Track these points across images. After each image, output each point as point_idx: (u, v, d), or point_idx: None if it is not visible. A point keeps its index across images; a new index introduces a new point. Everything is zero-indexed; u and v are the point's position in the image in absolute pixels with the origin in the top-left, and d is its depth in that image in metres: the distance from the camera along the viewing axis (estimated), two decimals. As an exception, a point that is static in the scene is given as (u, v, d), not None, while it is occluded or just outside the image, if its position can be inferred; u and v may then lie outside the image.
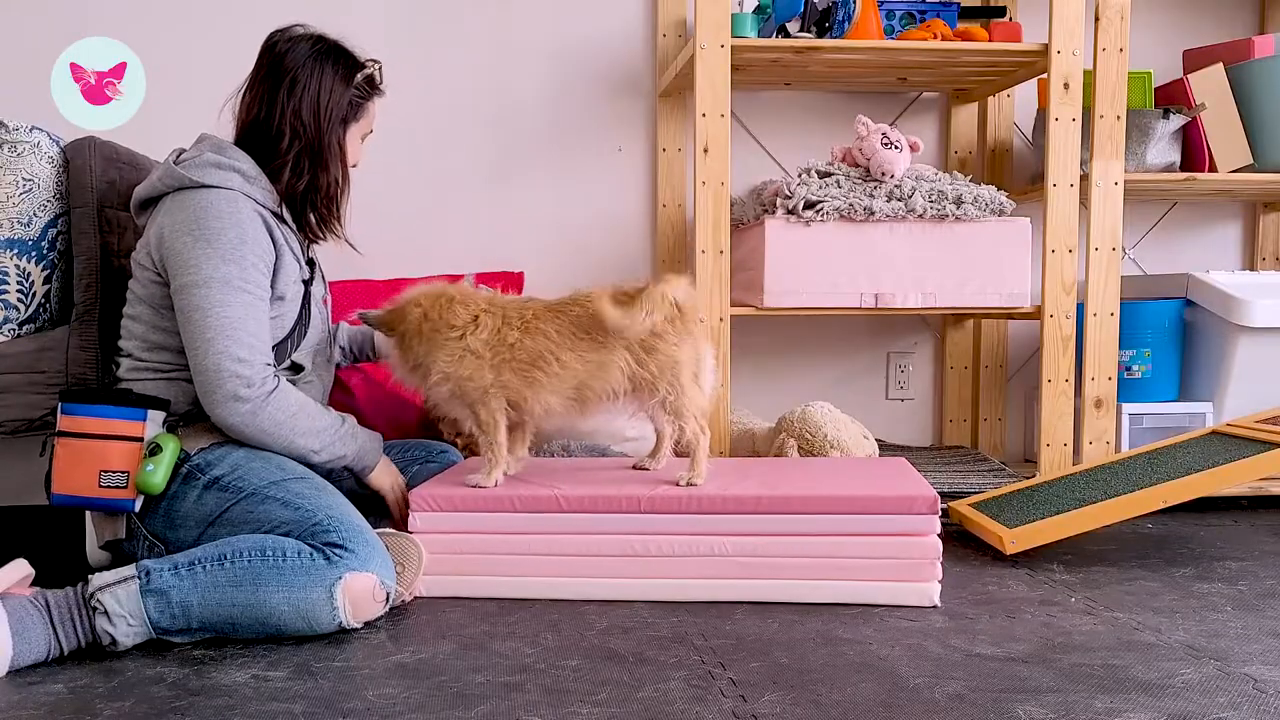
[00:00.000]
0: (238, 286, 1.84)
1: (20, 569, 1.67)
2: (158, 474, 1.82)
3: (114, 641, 1.64)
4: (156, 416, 1.87)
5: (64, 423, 1.86)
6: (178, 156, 1.96)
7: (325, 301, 2.14)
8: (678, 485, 1.97)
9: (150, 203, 1.96)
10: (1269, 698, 1.48)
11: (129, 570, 1.68)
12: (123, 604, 1.65)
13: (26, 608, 1.61)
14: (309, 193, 2.00)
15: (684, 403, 1.98)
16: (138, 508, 1.85)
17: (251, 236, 1.88)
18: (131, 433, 1.84)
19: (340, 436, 1.95)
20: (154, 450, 1.83)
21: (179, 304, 1.86)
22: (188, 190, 1.89)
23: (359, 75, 2.01)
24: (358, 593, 1.72)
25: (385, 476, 2.06)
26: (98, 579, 1.66)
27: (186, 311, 1.84)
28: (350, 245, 2.08)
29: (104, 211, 2.16)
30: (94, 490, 1.83)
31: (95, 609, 1.64)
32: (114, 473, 1.83)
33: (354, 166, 2.07)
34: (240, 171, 1.92)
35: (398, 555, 1.89)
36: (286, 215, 2.00)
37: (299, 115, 1.96)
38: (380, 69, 2.05)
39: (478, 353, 1.96)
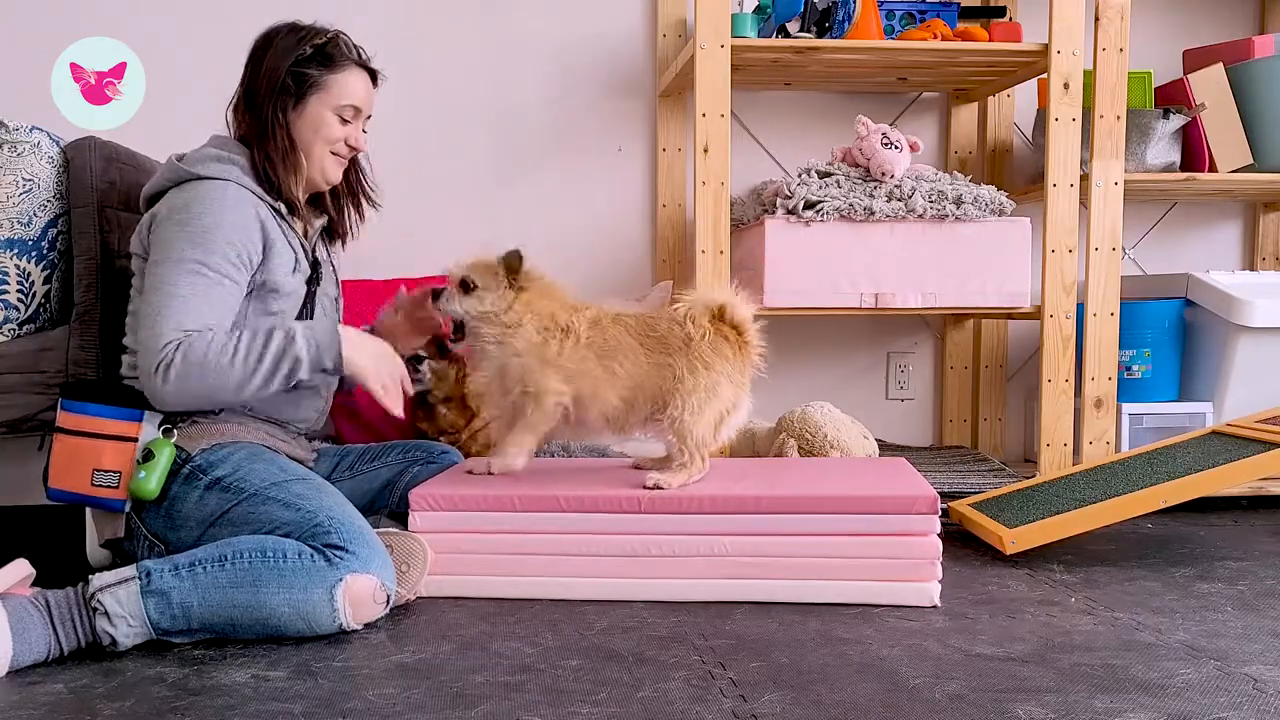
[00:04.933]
0: (193, 269, 1.83)
1: (20, 569, 1.67)
2: (150, 481, 1.82)
3: (114, 642, 1.64)
4: (154, 418, 1.87)
5: (62, 419, 1.87)
6: (181, 155, 1.97)
7: (336, 301, 2.15)
8: (645, 487, 1.95)
9: (155, 198, 1.96)
10: (1269, 698, 1.47)
11: (129, 571, 1.68)
12: (123, 604, 1.65)
13: (26, 608, 1.61)
14: (267, 172, 1.95)
15: (691, 433, 1.96)
16: (127, 508, 1.86)
17: (229, 222, 1.86)
18: (126, 433, 1.85)
19: (283, 352, 1.83)
20: (147, 456, 1.83)
21: (151, 280, 1.85)
22: (186, 183, 1.91)
23: (305, 46, 1.95)
24: (358, 594, 1.72)
25: (361, 355, 1.92)
26: (98, 579, 1.66)
27: (145, 292, 1.86)
28: (348, 239, 2.12)
29: (104, 211, 2.16)
30: (86, 488, 1.84)
31: (95, 609, 1.64)
32: (106, 472, 1.84)
33: (352, 148, 2.02)
34: (239, 165, 1.93)
35: (403, 555, 1.89)
36: (285, 210, 2.00)
37: (250, 95, 1.97)
38: (338, 39, 1.98)
39: (577, 335, 1.99)
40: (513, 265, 2.01)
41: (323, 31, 1.98)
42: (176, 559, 1.70)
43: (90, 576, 1.67)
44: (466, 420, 2.47)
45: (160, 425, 1.88)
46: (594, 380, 1.98)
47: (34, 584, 1.71)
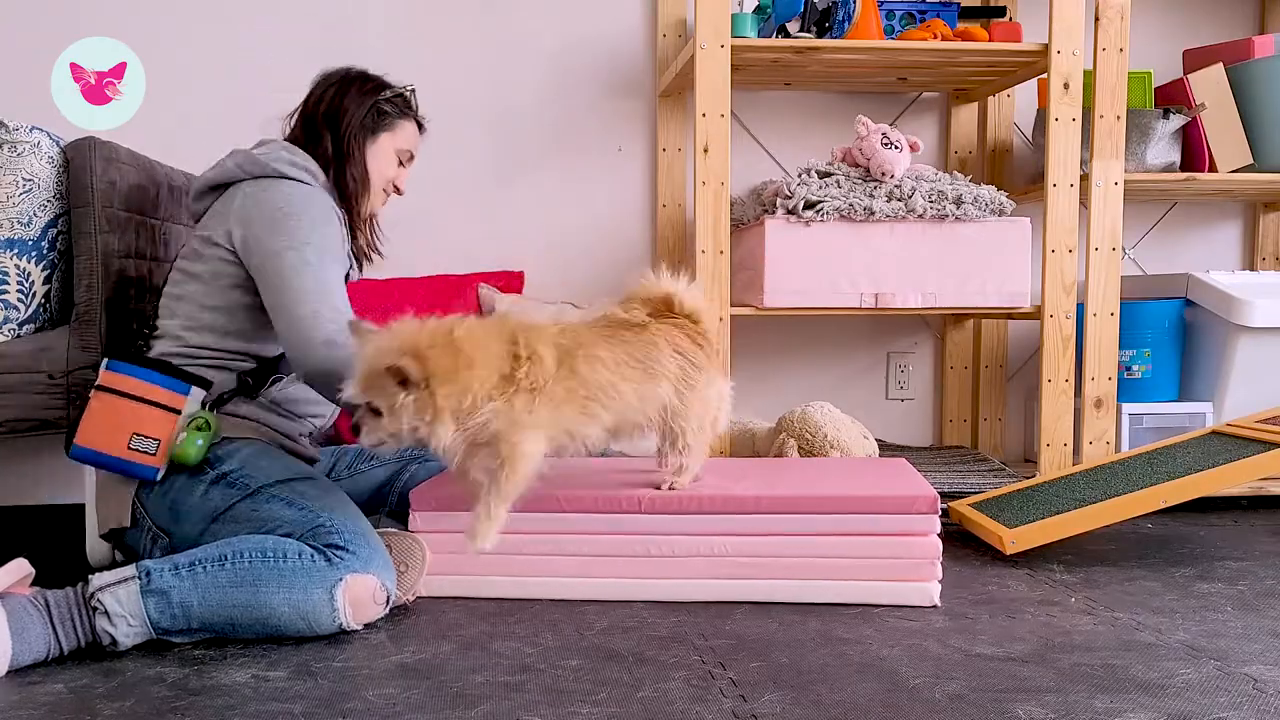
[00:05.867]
0: (330, 258, 1.94)
1: (20, 569, 1.67)
2: (191, 446, 1.83)
3: (114, 641, 1.64)
4: (198, 395, 1.90)
5: (105, 378, 1.88)
6: (250, 149, 2.03)
7: None
8: (659, 488, 1.95)
9: (219, 188, 2.01)
10: (1269, 698, 1.47)
11: (129, 570, 1.68)
12: (123, 604, 1.65)
13: (26, 608, 1.61)
14: (343, 190, 2.09)
15: (697, 444, 1.94)
16: (159, 477, 1.86)
17: (335, 227, 2.00)
18: (172, 404, 1.87)
19: None
20: (201, 425, 1.85)
21: (270, 268, 1.90)
22: (270, 178, 1.98)
23: (388, 91, 2.12)
24: (358, 594, 1.72)
25: None
26: (98, 579, 1.66)
27: (282, 273, 1.89)
28: (378, 254, 2.22)
29: (104, 211, 2.16)
30: (121, 450, 1.84)
31: (95, 609, 1.64)
32: (146, 438, 1.84)
33: (397, 189, 2.18)
34: (310, 171, 2.02)
35: (402, 555, 1.89)
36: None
37: (332, 117, 2.08)
38: (413, 94, 2.16)
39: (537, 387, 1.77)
40: (399, 374, 1.67)
41: (401, 86, 2.17)
42: (176, 558, 1.70)
43: (90, 576, 1.67)
44: None
45: (204, 404, 1.91)
46: (572, 426, 1.82)
47: (34, 584, 1.71)
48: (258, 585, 1.68)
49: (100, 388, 1.88)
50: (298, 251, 1.90)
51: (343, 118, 2.08)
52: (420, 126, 2.20)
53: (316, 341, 1.86)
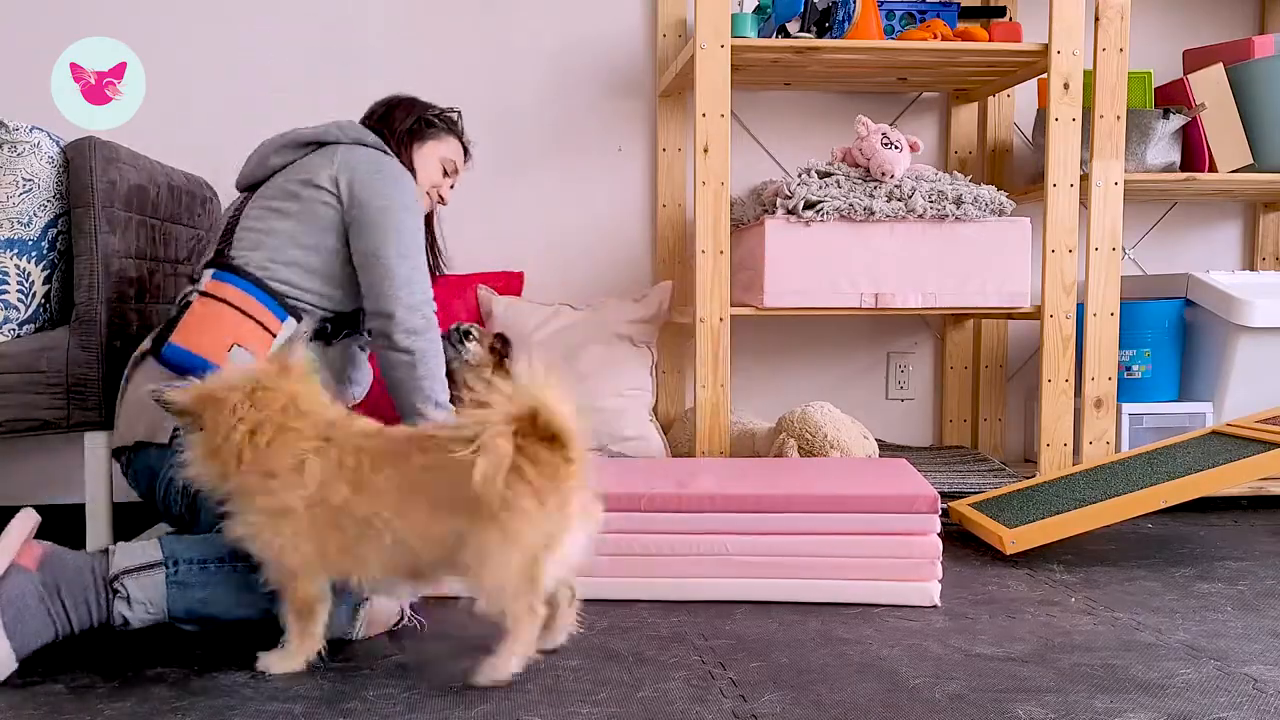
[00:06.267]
0: (421, 237, 2.03)
1: (26, 521, 1.62)
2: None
3: (126, 622, 1.63)
4: (290, 326, 1.92)
5: (213, 286, 1.90)
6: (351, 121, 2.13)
7: None
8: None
9: (313, 144, 2.06)
10: (1269, 698, 1.48)
11: (154, 553, 1.65)
12: (145, 591, 1.63)
13: (25, 598, 1.56)
14: None
15: (517, 614, 1.51)
16: None
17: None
18: (270, 325, 1.89)
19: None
20: (314, 368, 1.84)
21: (376, 219, 1.96)
22: (371, 148, 2.05)
23: (438, 108, 2.23)
24: (378, 616, 1.74)
25: None
26: (121, 559, 1.64)
27: (388, 226, 1.96)
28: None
29: (104, 211, 2.16)
30: (220, 357, 1.83)
31: (117, 592, 1.62)
32: (246, 351, 1.84)
33: (442, 198, 2.25)
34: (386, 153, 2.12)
35: None
36: None
37: (386, 118, 2.18)
38: (460, 116, 2.28)
39: (295, 510, 1.53)
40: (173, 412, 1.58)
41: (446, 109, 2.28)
42: (205, 553, 1.67)
43: (112, 552, 1.65)
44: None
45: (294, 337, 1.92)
46: (336, 562, 1.56)
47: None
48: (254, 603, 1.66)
49: (206, 294, 1.88)
50: (408, 212, 1.99)
51: (393, 123, 2.17)
52: (466, 151, 2.28)
53: (418, 316, 1.95)
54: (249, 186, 2.08)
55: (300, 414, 1.58)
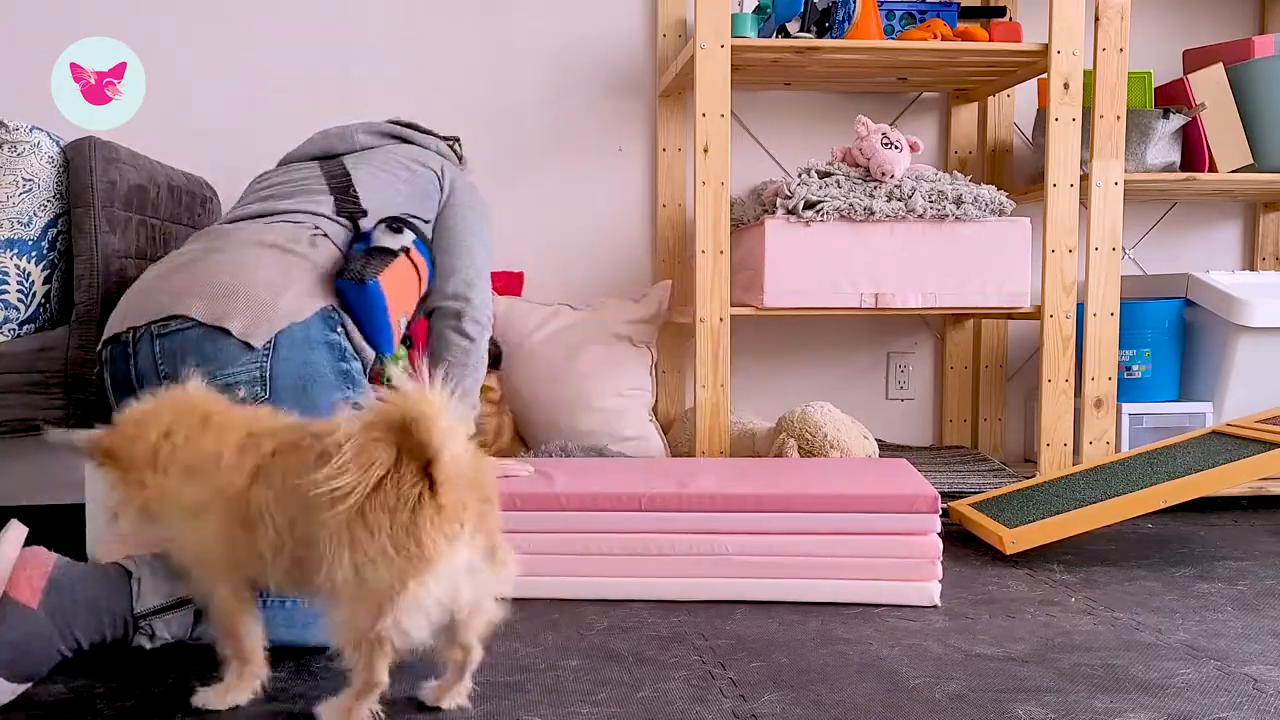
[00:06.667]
0: None
1: (16, 541, 1.50)
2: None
3: (140, 647, 1.57)
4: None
5: (415, 256, 1.94)
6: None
7: None
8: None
9: (397, 139, 2.16)
10: (1269, 698, 1.48)
11: (182, 588, 1.54)
12: (171, 628, 1.58)
13: (30, 642, 1.46)
14: None
15: (358, 657, 1.31)
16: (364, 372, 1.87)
17: None
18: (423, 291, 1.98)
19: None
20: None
21: (471, 218, 2.06)
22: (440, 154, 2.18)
23: (435, 133, 2.27)
24: None
25: None
26: (149, 595, 1.54)
27: (479, 227, 2.06)
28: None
29: (104, 211, 2.16)
30: (394, 317, 1.87)
31: (140, 630, 1.56)
32: (406, 322, 1.92)
33: None
34: None
35: None
36: None
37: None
38: (459, 143, 2.31)
39: (212, 508, 1.40)
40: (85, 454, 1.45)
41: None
42: None
43: (136, 580, 1.54)
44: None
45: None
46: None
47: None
48: (307, 627, 1.61)
49: (410, 257, 1.91)
50: (489, 226, 2.10)
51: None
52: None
53: (480, 317, 1.99)
54: (323, 157, 2.13)
55: (221, 414, 1.46)
